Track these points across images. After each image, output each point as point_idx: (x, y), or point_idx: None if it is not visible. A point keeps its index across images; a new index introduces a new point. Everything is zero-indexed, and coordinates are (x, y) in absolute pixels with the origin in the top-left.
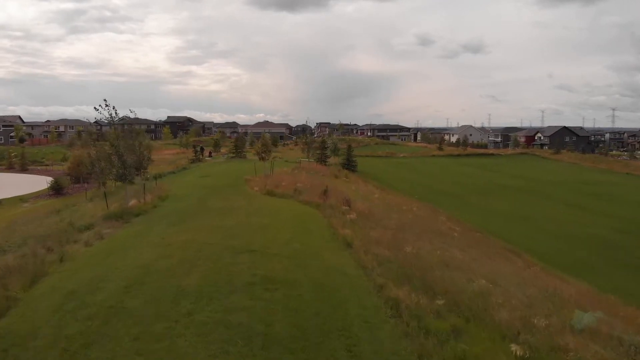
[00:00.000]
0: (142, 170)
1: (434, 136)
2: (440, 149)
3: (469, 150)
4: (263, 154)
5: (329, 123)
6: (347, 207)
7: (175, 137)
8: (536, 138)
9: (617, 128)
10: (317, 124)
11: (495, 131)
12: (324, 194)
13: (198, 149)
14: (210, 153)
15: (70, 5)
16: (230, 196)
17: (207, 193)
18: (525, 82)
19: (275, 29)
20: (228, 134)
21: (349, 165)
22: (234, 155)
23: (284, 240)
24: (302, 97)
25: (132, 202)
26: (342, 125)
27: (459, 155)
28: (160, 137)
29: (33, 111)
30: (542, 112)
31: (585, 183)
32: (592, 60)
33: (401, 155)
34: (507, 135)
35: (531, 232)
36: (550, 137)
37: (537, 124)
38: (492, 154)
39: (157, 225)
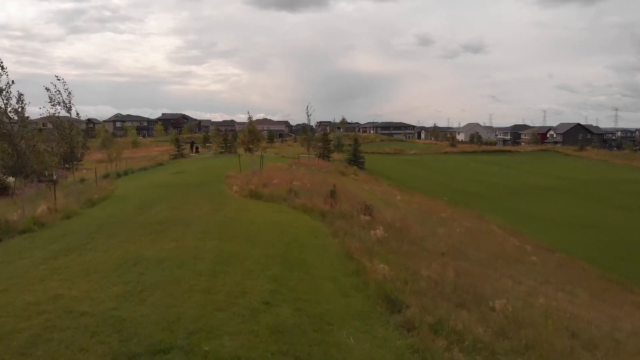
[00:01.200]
0: (74, 163)
1: (443, 133)
2: (452, 145)
3: (484, 147)
4: (250, 145)
5: (330, 122)
6: (367, 217)
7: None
8: (548, 136)
9: (621, 127)
10: (317, 122)
11: (504, 129)
12: (331, 196)
13: (189, 144)
14: (196, 148)
15: (69, 5)
16: (192, 199)
17: (163, 195)
18: (526, 82)
19: (275, 29)
20: (224, 131)
21: (356, 161)
22: (223, 150)
23: (257, 298)
24: (302, 97)
25: (41, 208)
26: (344, 123)
27: (474, 152)
28: (152, 134)
29: (34, 112)
30: (544, 112)
31: (628, 182)
32: (592, 60)
33: (411, 152)
34: (516, 132)
35: (615, 248)
36: (563, 134)
37: (539, 123)
38: (509, 151)
39: (26, 256)
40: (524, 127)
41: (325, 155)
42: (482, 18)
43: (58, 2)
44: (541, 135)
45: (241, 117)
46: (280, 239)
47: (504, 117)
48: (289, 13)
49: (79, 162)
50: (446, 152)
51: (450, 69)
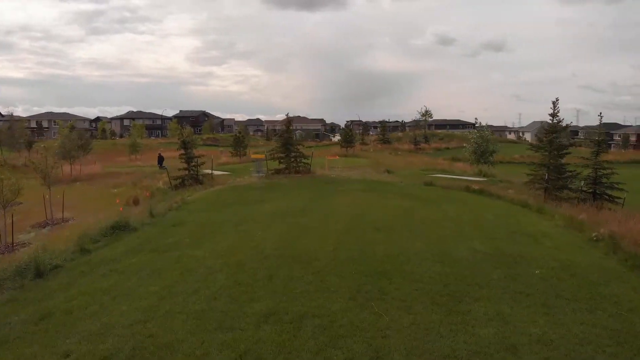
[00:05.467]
0: None
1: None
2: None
3: None
4: None
5: (361, 121)
6: None
7: None
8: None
9: None
10: (348, 122)
11: (588, 129)
12: None
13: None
14: (159, 158)
15: (89, 7)
16: None
17: None
18: (550, 81)
19: (294, 29)
20: (251, 132)
21: (604, 195)
22: (285, 166)
23: None
24: (323, 97)
25: None
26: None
27: None
28: (167, 134)
29: (57, 112)
30: (578, 111)
31: None
32: (617, 59)
33: None
34: (608, 132)
35: None
36: None
37: (570, 123)
38: None
39: None
40: (615, 126)
41: (553, 188)
42: (503, 15)
43: (78, 3)
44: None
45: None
46: None
47: (530, 117)
48: (308, 12)
49: None
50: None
51: (472, 68)
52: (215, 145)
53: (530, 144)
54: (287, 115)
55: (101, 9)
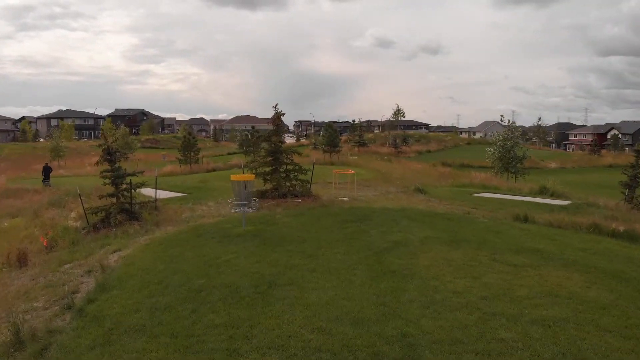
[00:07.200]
0: None
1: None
2: (596, 152)
3: None
4: None
5: (309, 121)
6: None
7: None
8: (610, 136)
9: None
10: (296, 122)
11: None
12: None
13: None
14: (45, 170)
15: (17, 2)
16: None
17: None
18: (483, 84)
19: (235, 27)
20: (195, 132)
21: None
22: (274, 185)
23: None
24: (266, 96)
25: None
26: (357, 126)
27: None
28: (100, 135)
29: None
30: (513, 112)
31: None
32: (546, 62)
33: (551, 165)
34: (562, 133)
35: None
36: (633, 135)
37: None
38: None
39: None
40: (569, 125)
41: None
42: (439, 19)
43: None
44: (599, 136)
45: (204, 117)
46: None
47: (464, 118)
48: (249, 11)
49: None
50: (610, 166)
51: (410, 70)
52: (155, 148)
53: None
54: (274, 107)
55: (31, 5)
